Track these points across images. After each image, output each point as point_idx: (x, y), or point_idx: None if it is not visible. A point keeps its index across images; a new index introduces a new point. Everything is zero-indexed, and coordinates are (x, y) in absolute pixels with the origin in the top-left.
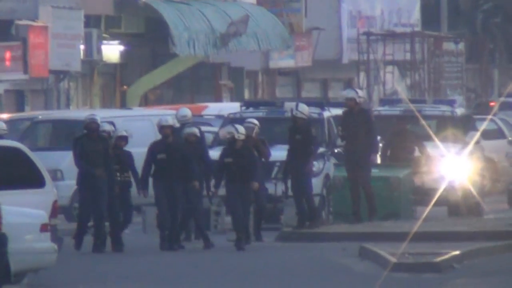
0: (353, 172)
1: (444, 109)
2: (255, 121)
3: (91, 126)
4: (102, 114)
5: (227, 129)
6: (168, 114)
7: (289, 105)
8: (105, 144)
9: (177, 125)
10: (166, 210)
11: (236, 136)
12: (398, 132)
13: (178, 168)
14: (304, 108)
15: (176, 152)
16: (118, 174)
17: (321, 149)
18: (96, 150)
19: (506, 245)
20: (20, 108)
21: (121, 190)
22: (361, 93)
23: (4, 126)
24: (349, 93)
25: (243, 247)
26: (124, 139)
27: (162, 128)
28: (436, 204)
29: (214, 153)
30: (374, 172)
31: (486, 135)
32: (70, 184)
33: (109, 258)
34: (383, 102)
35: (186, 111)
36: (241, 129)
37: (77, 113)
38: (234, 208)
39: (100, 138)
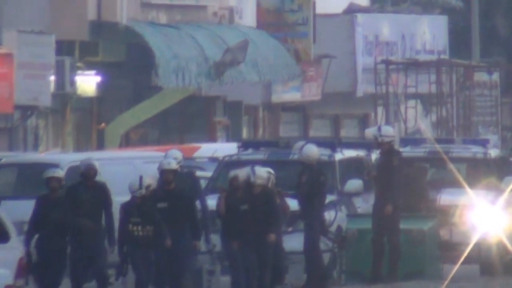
0: (379, 222)
1: (476, 150)
2: (271, 170)
3: (88, 173)
4: (76, 157)
5: (245, 171)
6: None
7: (298, 145)
8: (104, 193)
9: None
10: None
11: (252, 179)
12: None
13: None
14: (312, 150)
15: (181, 200)
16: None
17: (331, 197)
18: (93, 200)
19: None
20: None
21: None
22: (385, 131)
23: None
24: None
25: None
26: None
27: (163, 172)
28: (466, 261)
29: (210, 202)
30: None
31: None
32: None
33: None
34: (405, 142)
35: (176, 153)
36: (260, 172)
37: (47, 156)
38: (236, 266)
39: (98, 187)
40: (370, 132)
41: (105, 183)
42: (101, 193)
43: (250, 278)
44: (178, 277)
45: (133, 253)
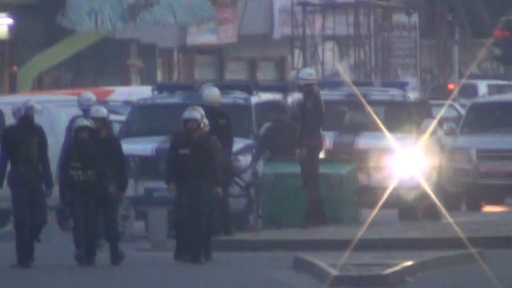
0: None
1: (395, 93)
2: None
3: (28, 115)
4: None
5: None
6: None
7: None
8: (42, 137)
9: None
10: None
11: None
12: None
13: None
14: (212, 93)
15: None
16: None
17: (247, 141)
18: (31, 144)
19: (466, 254)
20: None
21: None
22: (303, 73)
23: None
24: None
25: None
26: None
27: (79, 130)
28: (385, 206)
29: (126, 146)
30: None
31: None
32: None
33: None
34: (322, 84)
35: (89, 95)
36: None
37: None
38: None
39: (36, 130)
40: (293, 75)
41: (41, 126)
42: (40, 136)
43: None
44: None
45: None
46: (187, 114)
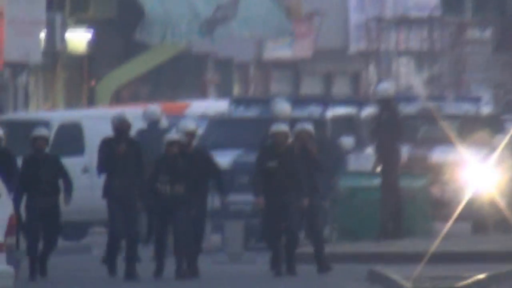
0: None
1: (468, 107)
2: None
3: (122, 127)
4: (62, 115)
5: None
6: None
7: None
8: (137, 149)
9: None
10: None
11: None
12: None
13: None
14: (282, 107)
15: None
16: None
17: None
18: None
19: None
20: None
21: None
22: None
23: None
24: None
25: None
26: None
27: (169, 144)
28: (458, 219)
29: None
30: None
31: None
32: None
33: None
34: (397, 99)
35: (155, 108)
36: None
37: (37, 113)
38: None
39: (131, 142)
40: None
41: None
42: (135, 148)
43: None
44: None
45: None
46: (275, 127)
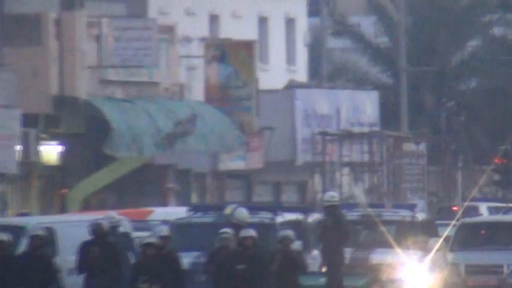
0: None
1: (404, 214)
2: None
3: (98, 231)
4: (37, 220)
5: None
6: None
7: (230, 208)
8: (114, 250)
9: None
10: None
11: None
12: None
13: None
14: (242, 214)
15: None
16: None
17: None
18: (104, 256)
19: None
20: None
21: None
22: (327, 196)
23: None
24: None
25: None
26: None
27: (146, 246)
28: None
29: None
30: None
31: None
32: None
33: None
34: (340, 206)
35: (113, 214)
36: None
37: (13, 219)
38: None
39: (107, 244)
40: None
41: (117, 242)
42: (112, 250)
43: None
44: None
45: None
46: (244, 232)
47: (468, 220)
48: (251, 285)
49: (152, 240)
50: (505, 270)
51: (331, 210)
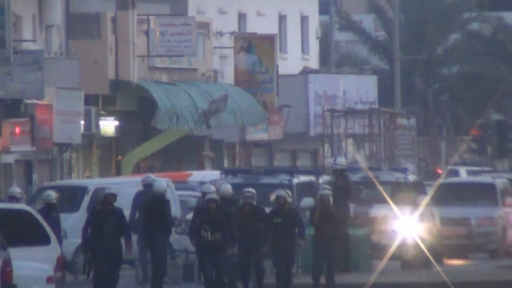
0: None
1: (398, 176)
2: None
3: (108, 199)
4: (97, 182)
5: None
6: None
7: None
8: (120, 217)
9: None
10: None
11: (288, 199)
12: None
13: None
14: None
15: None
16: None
17: None
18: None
19: None
20: (28, 177)
21: None
22: (338, 161)
23: (18, 191)
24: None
25: None
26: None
27: (209, 202)
28: (391, 258)
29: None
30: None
31: None
32: (73, 242)
33: None
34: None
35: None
36: (286, 193)
37: (78, 180)
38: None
39: (114, 212)
40: (329, 162)
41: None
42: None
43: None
44: None
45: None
46: (278, 192)
47: (444, 181)
48: (286, 235)
49: (214, 196)
50: (473, 222)
51: (340, 173)
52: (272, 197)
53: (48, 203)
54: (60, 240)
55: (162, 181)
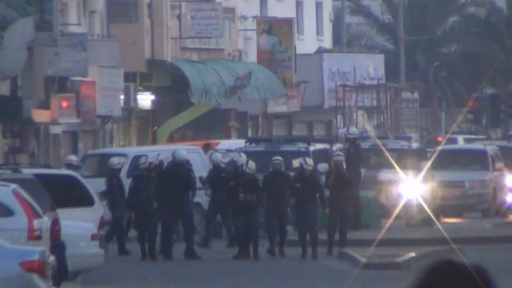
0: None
1: (403, 143)
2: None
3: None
4: (135, 150)
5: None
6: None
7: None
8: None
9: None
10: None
11: (304, 166)
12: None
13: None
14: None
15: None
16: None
17: None
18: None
19: (449, 248)
20: (74, 146)
21: None
22: (351, 130)
23: (73, 159)
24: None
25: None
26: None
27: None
28: (396, 217)
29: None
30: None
31: None
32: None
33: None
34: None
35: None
36: (309, 161)
37: (118, 148)
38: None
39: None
40: (342, 131)
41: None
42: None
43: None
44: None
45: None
46: (308, 160)
47: (442, 148)
48: (306, 199)
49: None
50: (466, 184)
51: (352, 141)
52: (295, 163)
53: (112, 169)
54: (123, 203)
55: (181, 150)
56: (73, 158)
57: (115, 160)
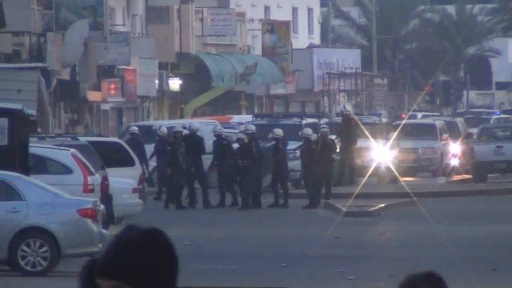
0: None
1: (375, 118)
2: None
3: (177, 134)
4: (165, 123)
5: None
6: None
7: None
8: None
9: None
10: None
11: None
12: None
13: None
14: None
15: None
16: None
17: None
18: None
19: (410, 201)
20: (119, 119)
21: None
22: (346, 107)
23: (136, 129)
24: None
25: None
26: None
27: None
28: (370, 176)
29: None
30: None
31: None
32: (149, 165)
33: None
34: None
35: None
36: (308, 130)
37: (153, 121)
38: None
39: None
40: (339, 108)
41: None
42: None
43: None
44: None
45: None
46: (305, 130)
47: (401, 122)
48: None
49: (243, 136)
50: (420, 151)
51: (347, 117)
52: (300, 133)
53: (133, 133)
54: (146, 161)
55: (195, 123)
56: (135, 128)
57: (134, 128)
